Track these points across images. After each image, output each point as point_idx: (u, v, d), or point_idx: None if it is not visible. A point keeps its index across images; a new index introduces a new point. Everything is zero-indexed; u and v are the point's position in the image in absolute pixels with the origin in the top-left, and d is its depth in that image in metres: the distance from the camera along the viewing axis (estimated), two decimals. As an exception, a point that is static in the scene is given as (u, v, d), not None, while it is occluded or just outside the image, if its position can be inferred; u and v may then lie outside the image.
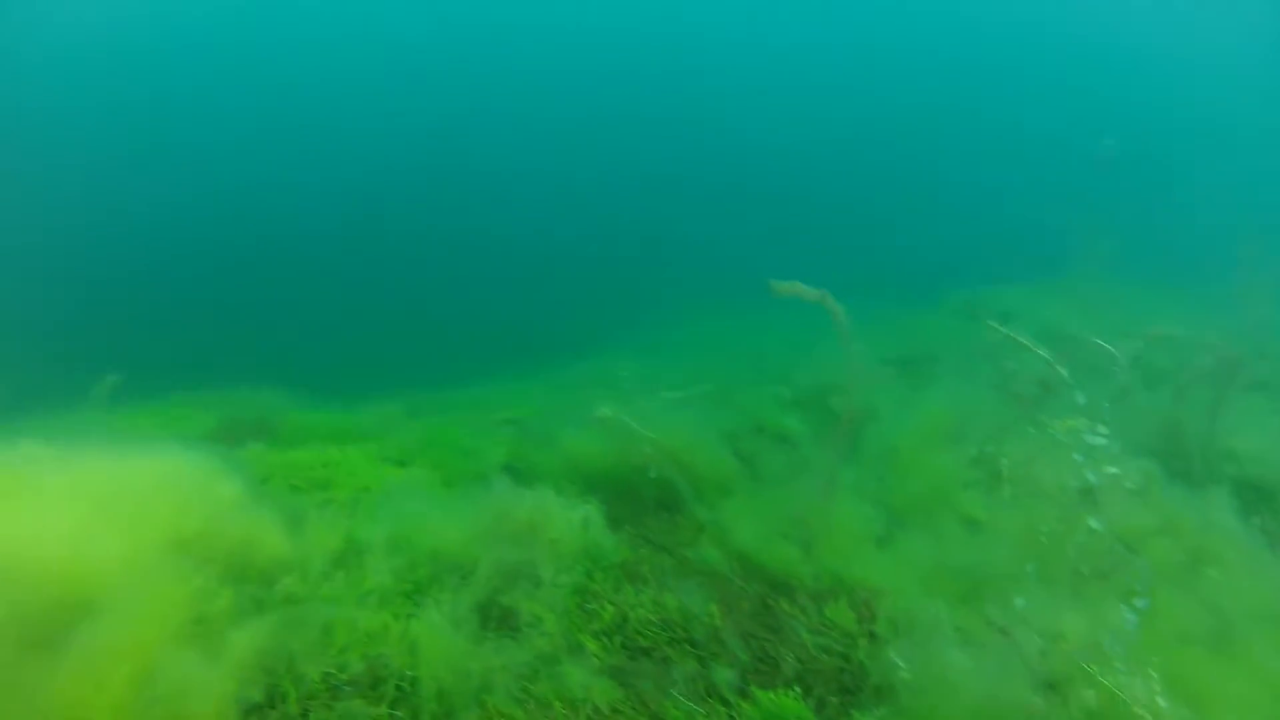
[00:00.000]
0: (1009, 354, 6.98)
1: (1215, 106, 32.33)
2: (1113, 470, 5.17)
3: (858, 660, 4.87)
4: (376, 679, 4.37)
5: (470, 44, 39.92)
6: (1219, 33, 38.29)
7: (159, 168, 26.04)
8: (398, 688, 4.33)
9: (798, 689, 4.57)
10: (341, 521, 5.64)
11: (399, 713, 4.22)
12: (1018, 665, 4.34)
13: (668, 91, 36.28)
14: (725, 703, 4.48)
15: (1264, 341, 8.60)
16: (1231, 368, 7.48)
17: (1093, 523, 5.09)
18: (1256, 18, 36.32)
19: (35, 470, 5.11)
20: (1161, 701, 4.11)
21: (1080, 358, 6.69)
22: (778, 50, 41.89)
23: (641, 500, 6.37)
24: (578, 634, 4.87)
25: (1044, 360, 6.27)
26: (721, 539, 6.02)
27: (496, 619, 4.94)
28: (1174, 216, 19.23)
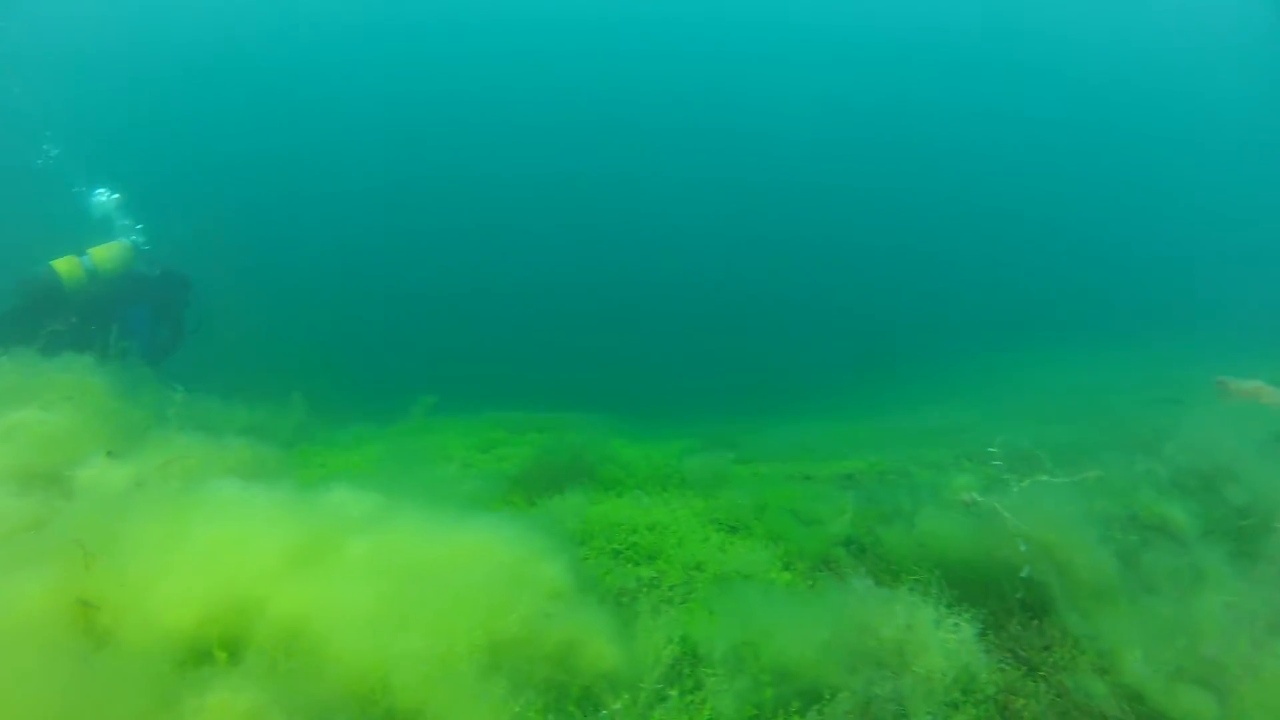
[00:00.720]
0: None
1: None
2: None
3: None
4: None
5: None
6: None
7: (487, 199, 28.73)
8: None
9: None
10: (675, 617, 5.27)
11: None
12: None
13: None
14: None
15: None
16: None
17: None
18: None
19: (342, 531, 5.02)
20: None
21: None
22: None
23: (1006, 602, 5.74)
24: (954, 798, 4.40)
25: None
26: (1105, 665, 5.27)
27: (858, 770, 4.44)
28: None
